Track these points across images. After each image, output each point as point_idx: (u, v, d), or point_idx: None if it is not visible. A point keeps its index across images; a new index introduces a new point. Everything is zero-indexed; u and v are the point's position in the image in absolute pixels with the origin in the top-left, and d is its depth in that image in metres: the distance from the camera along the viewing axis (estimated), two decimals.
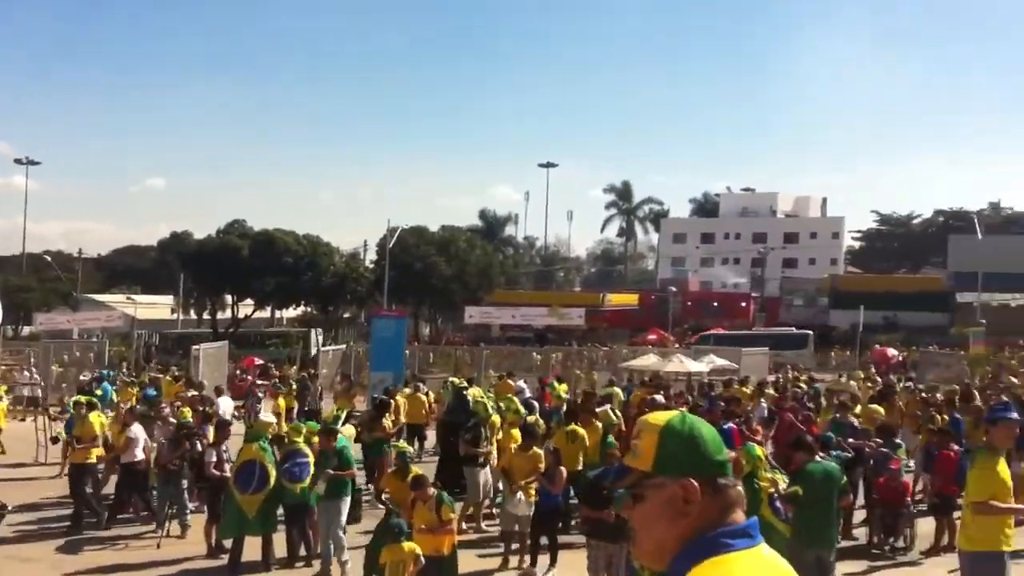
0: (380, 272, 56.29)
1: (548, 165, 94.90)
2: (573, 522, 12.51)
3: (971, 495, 7.06)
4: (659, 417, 2.11)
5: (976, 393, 19.30)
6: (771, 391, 21.66)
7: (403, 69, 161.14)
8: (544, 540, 11.27)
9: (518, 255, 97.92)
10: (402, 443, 14.62)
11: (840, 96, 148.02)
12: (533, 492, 11.40)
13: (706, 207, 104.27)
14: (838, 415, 14.70)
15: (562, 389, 24.04)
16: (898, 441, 13.55)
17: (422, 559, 9.01)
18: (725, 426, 13.70)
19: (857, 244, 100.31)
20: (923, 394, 20.38)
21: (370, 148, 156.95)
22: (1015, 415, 7.70)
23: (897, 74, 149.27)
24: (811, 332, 52.16)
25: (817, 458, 9.35)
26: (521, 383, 25.20)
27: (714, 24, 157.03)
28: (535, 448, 12.17)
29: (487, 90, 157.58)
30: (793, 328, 54.72)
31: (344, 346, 43.47)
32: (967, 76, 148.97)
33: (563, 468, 11.48)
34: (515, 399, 16.97)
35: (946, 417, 15.24)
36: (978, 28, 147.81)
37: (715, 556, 1.94)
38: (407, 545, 9.04)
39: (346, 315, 67.85)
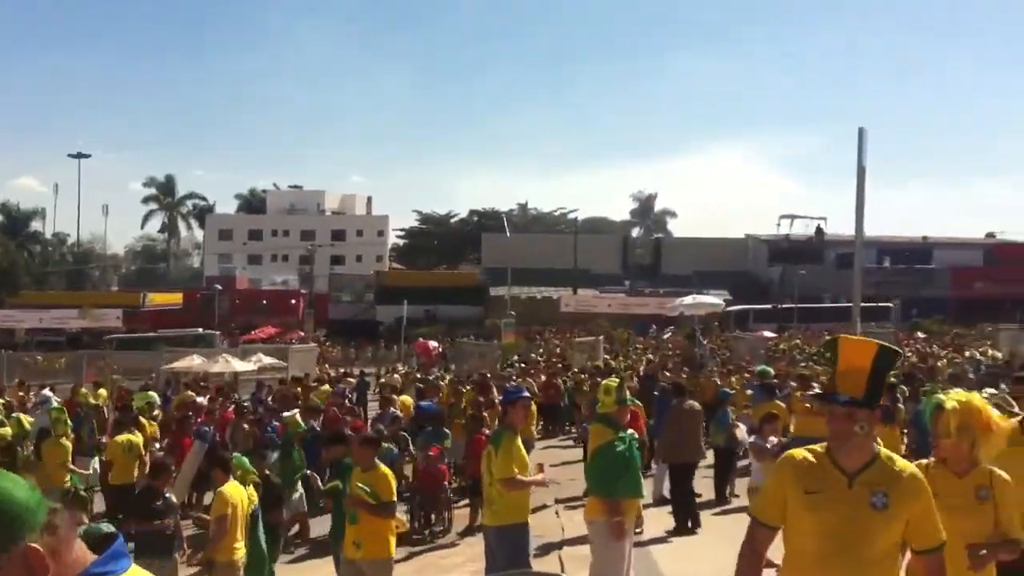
0: None
1: (79, 156, 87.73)
2: None
3: (498, 473, 7.37)
4: None
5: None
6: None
7: None
8: None
9: (47, 253, 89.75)
10: None
11: (377, 99, 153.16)
12: None
13: (253, 204, 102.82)
14: (381, 409, 15.00)
15: (101, 396, 22.17)
16: (446, 430, 14.16)
17: None
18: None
19: (401, 242, 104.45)
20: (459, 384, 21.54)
21: None
22: (527, 394, 8.28)
23: (421, 86, 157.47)
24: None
25: None
26: (46, 392, 22.87)
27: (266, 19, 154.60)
28: None
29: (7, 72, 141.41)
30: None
31: None
32: (473, 86, 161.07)
33: None
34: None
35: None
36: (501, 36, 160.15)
37: None
38: None
39: None
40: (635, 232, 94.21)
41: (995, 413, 4.52)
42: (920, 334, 45.35)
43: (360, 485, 7.58)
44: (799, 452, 3.79)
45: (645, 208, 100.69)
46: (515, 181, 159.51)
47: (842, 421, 3.62)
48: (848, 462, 3.63)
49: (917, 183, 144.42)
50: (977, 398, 4.58)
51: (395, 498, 7.89)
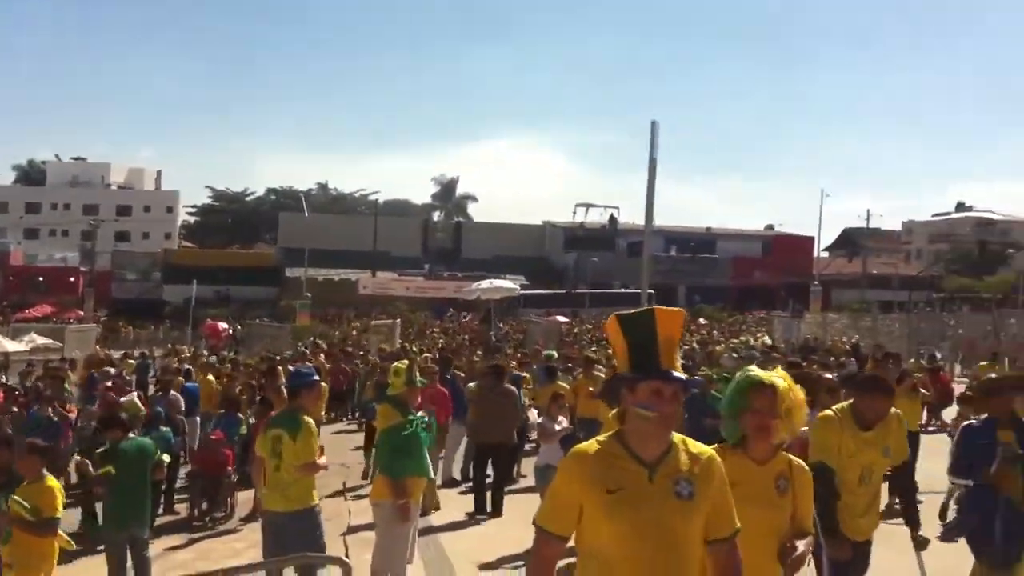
0: None
1: None
2: None
3: (300, 457, 7.14)
4: None
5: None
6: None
7: None
8: None
9: None
10: None
11: (170, 73, 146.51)
12: None
13: (32, 175, 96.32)
14: (160, 393, 14.37)
15: None
16: (240, 416, 13.70)
17: None
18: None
19: (193, 219, 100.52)
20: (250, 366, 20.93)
21: None
22: (316, 377, 8.04)
23: (217, 61, 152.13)
24: None
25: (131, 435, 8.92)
26: None
27: None
28: None
29: None
30: None
31: None
32: (272, 63, 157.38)
33: None
34: None
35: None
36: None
37: None
38: None
39: None
40: (436, 216, 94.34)
41: (797, 387, 4.09)
42: (702, 320, 47.66)
43: (17, 499, 6.88)
44: (589, 446, 3.28)
45: (446, 192, 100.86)
46: (315, 161, 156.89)
47: (673, 403, 3.20)
48: (647, 451, 3.21)
49: (703, 177, 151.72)
50: (784, 375, 4.13)
51: (59, 515, 7.19)
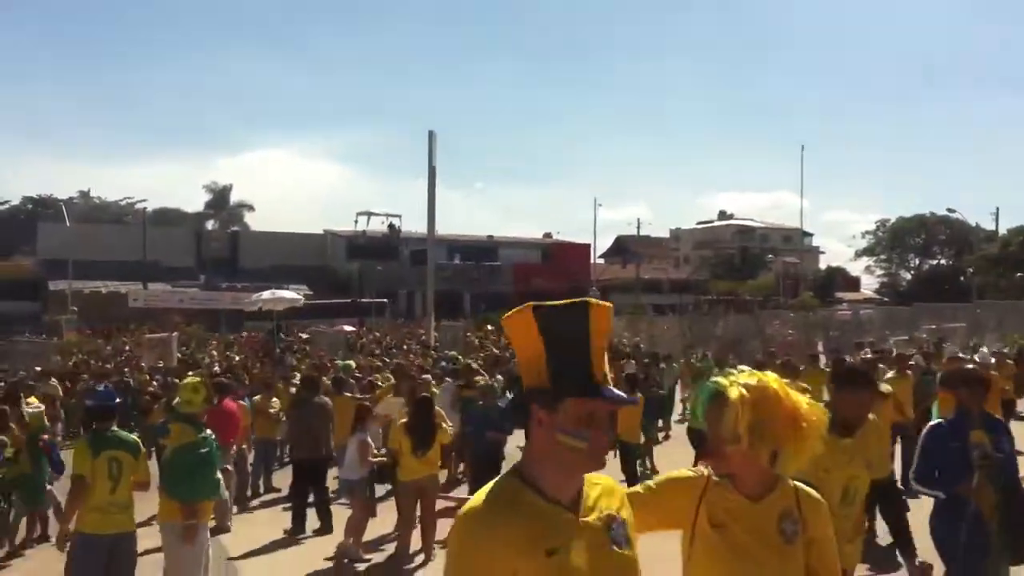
0: None
1: None
2: None
3: (143, 478, 7.22)
4: None
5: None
6: None
7: None
8: None
9: None
10: None
11: None
12: None
13: None
14: None
15: None
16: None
17: None
18: None
19: None
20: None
21: None
22: (116, 401, 7.64)
23: None
24: None
25: None
26: None
27: None
28: None
29: None
30: None
31: None
32: (26, 65, 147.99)
33: None
34: None
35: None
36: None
37: None
38: None
39: None
40: (210, 225, 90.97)
41: (802, 399, 2.96)
42: (490, 327, 48.15)
43: None
44: (492, 497, 2.38)
45: (220, 200, 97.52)
46: (75, 169, 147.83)
47: (611, 429, 2.43)
48: (564, 492, 2.41)
49: (484, 186, 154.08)
50: (774, 379, 2.99)
51: None
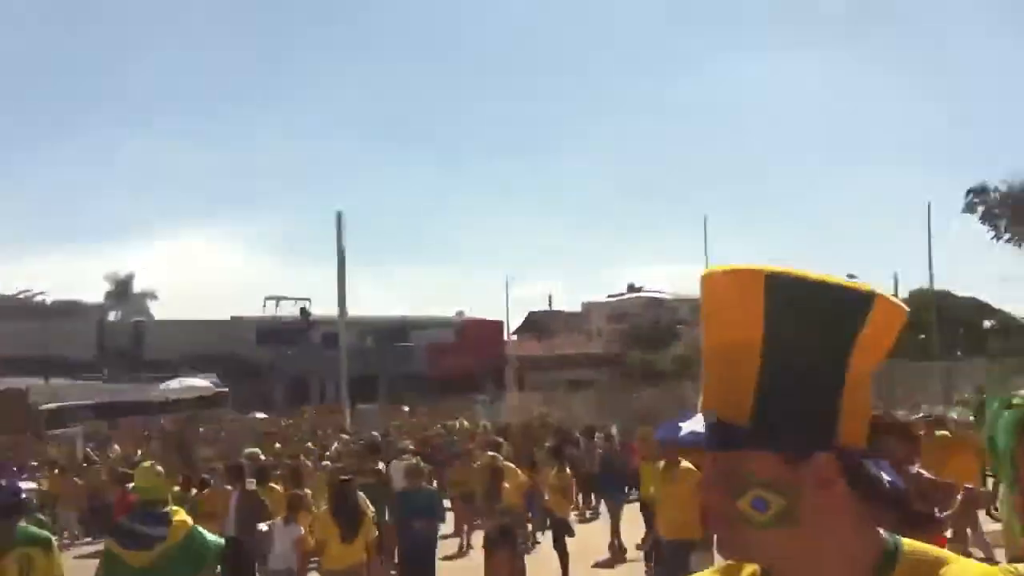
0: None
1: None
2: None
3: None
4: None
5: None
6: None
7: None
8: None
9: None
10: None
11: None
12: None
13: None
14: None
15: None
16: None
17: None
18: None
19: None
20: None
21: None
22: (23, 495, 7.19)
23: None
24: None
25: None
26: None
27: None
28: None
29: None
30: None
31: None
32: None
33: None
34: None
35: None
36: None
37: None
38: None
39: None
40: (112, 315, 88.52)
41: None
42: (405, 407, 47.53)
43: None
44: None
45: (122, 289, 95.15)
46: None
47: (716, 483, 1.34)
48: None
49: (396, 266, 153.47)
50: None
51: None
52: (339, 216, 31.27)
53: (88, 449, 29.66)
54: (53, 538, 6.73)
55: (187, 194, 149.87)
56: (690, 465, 8.52)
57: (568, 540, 12.11)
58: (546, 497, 12.55)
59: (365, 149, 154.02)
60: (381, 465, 13.80)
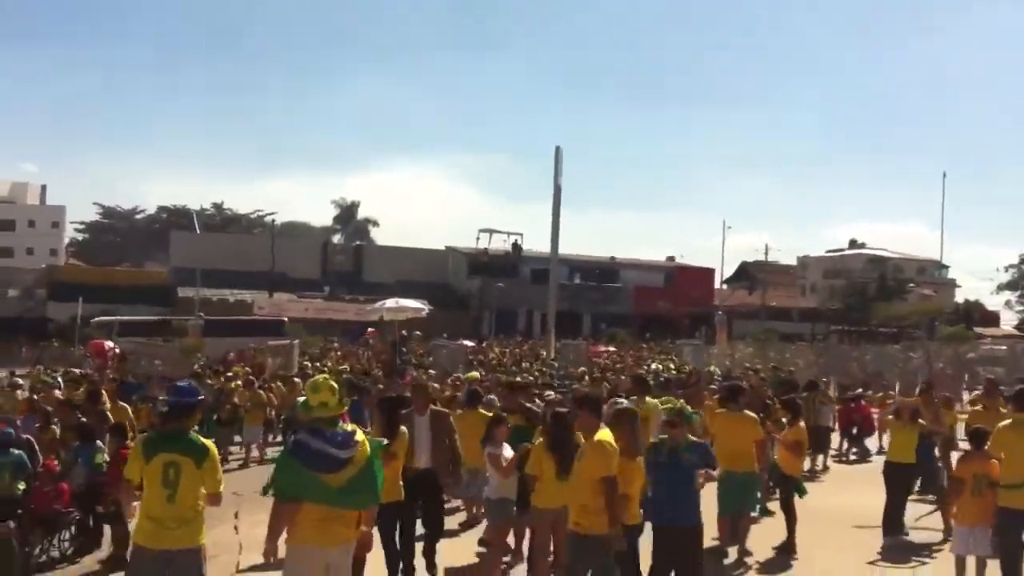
0: None
1: None
2: None
3: (214, 486, 6.39)
4: None
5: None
6: None
7: None
8: None
9: None
10: None
11: (55, 87, 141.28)
12: None
13: None
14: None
15: None
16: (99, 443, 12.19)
17: None
18: None
19: (81, 236, 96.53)
20: None
21: None
22: (201, 397, 6.90)
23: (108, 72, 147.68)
24: None
25: None
26: None
27: None
28: None
29: None
30: None
31: None
32: (163, 81, 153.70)
33: None
34: None
35: None
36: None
37: None
38: None
39: None
40: (336, 239, 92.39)
41: None
42: (611, 347, 46.96)
43: None
44: None
45: (347, 215, 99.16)
46: (208, 182, 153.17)
47: None
48: None
49: (605, 207, 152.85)
50: None
51: None
52: (557, 151, 30.72)
53: (305, 361, 30.78)
54: (211, 450, 6.29)
55: (408, 131, 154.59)
56: None
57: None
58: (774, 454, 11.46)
59: (586, 89, 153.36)
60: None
